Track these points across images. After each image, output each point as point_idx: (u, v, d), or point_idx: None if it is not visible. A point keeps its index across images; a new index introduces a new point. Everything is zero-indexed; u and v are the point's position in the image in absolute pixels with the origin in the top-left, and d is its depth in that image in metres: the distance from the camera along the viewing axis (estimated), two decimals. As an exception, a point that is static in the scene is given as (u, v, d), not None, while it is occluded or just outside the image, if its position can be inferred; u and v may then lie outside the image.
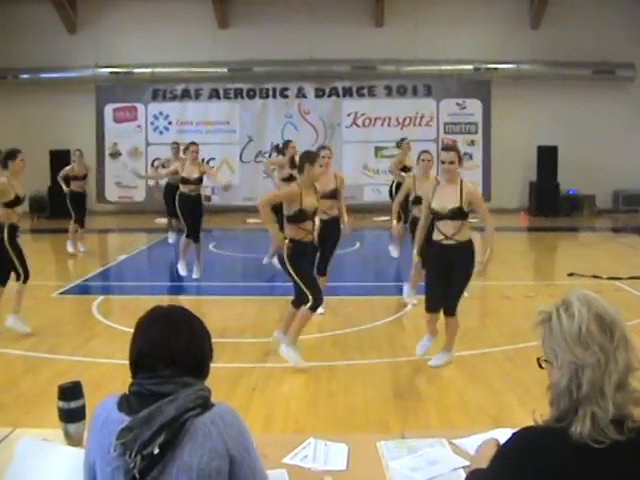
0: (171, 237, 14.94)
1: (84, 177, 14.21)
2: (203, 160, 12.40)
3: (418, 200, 8.67)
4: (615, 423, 1.91)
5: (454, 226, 6.55)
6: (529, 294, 9.93)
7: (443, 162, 6.62)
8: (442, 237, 6.62)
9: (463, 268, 6.65)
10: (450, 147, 7.11)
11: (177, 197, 11.53)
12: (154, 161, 19.42)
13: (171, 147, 15.02)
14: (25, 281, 8.21)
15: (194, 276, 11.29)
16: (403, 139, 13.40)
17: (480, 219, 6.87)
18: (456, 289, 6.77)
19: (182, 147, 13.24)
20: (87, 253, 13.55)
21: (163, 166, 14.83)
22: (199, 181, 11.58)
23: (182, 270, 11.23)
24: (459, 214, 6.53)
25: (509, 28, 20.06)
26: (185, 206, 11.41)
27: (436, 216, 6.65)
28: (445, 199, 6.57)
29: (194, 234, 11.37)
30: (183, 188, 11.46)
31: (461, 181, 6.62)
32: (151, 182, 13.83)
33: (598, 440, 1.90)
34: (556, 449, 1.93)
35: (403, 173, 11.95)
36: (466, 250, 6.63)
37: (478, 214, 6.78)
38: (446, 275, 6.67)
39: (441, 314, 6.95)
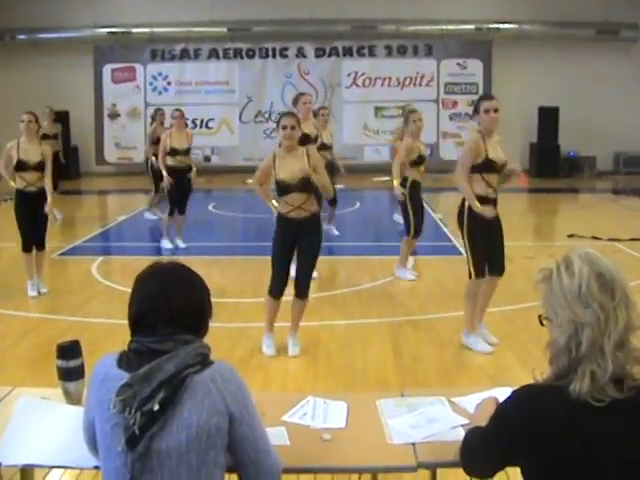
0: (149, 213, 13.36)
1: (55, 136, 13.68)
2: (187, 125, 11.65)
3: (417, 162, 8.63)
4: (614, 381, 1.91)
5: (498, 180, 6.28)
6: (528, 255, 9.93)
7: (487, 111, 6.09)
8: (491, 190, 6.24)
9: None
10: (492, 95, 6.67)
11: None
12: (152, 122, 19.28)
13: (155, 114, 13.74)
14: (23, 250, 8.24)
15: (181, 246, 10.99)
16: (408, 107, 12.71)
17: None
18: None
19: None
20: (87, 215, 13.46)
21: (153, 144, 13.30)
22: (188, 151, 11.03)
23: (167, 245, 10.92)
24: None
25: (511, -13, 19.87)
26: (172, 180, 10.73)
27: (491, 169, 6.18)
28: (497, 151, 6.20)
29: (179, 207, 10.88)
30: (171, 160, 10.77)
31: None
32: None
33: (597, 398, 1.90)
34: (555, 406, 1.93)
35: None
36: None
37: None
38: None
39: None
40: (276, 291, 6.22)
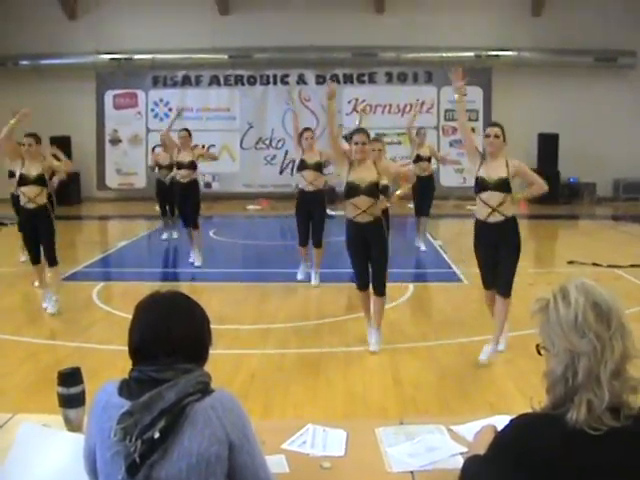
0: (165, 234, 13.99)
1: None
2: (197, 146, 12.15)
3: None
4: (611, 410, 1.92)
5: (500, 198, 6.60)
6: (528, 281, 9.93)
7: (487, 136, 6.69)
8: (486, 211, 6.62)
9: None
10: (495, 123, 7.11)
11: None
12: (154, 148, 19.37)
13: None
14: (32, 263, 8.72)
15: (196, 264, 11.34)
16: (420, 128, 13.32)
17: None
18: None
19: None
20: (88, 240, 13.48)
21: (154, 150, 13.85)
22: (191, 166, 11.42)
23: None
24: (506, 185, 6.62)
25: (510, 15, 20.01)
26: (178, 194, 11.72)
27: (481, 187, 6.66)
28: (492, 170, 6.63)
29: (186, 221, 11.59)
30: (176, 175, 11.68)
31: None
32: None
33: (594, 427, 1.91)
34: (553, 436, 1.95)
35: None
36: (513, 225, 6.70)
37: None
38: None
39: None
40: (361, 284, 7.18)
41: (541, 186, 6.89)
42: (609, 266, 10.80)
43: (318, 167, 9.79)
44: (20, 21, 20.17)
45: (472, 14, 19.81)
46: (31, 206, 8.41)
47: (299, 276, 10.05)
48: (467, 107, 20.64)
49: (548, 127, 19.48)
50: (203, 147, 11.91)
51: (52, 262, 8.64)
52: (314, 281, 9.84)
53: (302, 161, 9.83)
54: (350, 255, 7.13)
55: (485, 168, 6.65)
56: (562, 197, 19.57)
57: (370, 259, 7.03)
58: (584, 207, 19.31)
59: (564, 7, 19.64)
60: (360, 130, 7.14)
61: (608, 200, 20.07)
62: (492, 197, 6.56)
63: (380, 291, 7.05)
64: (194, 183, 11.50)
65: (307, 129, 10.09)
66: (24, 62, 20.56)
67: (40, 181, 8.40)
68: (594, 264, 10.94)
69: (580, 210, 18.80)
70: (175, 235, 13.58)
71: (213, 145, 20.76)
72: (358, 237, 7.00)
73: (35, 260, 8.66)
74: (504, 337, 6.95)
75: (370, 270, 7.07)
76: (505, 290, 6.66)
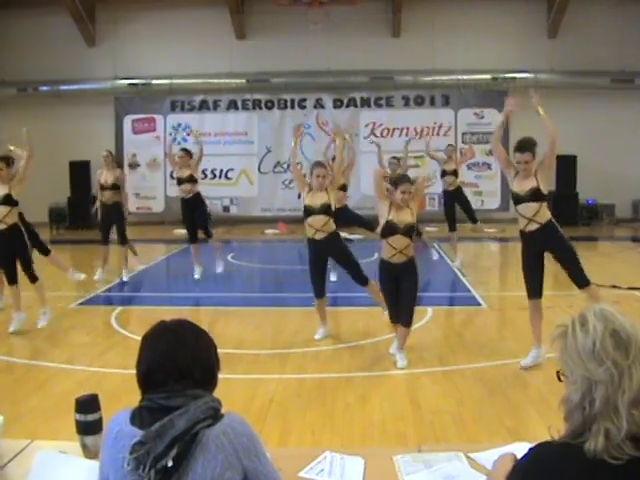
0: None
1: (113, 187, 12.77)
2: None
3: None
4: (631, 439, 1.90)
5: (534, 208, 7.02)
6: (548, 304, 9.87)
7: (518, 162, 7.02)
8: (524, 222, 7.07)
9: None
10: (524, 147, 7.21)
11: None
12: (172, 172, 19.52)
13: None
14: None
15: (195, 277, 12.04)
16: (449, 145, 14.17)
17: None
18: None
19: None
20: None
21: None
22: (190, 179, 11.89)
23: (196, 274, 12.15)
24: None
25: (526, 37, 20.04)
26: (184, 210, 12.13)
27: (515, 200, 7.14)
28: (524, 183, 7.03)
29: (192, 235, 12.10)
30: (180, 192, 12.14)
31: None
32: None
33: (614, 456, 1.88)
34: (572, 466, 1.92)
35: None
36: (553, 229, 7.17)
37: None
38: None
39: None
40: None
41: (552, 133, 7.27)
42: (629, 288, 10.72)
43: (327, 209, 8.10)
44: (40, 47, 20.43)
45: (488, 36, 19.84)
46: (2, 227, 8.65)
47: (317, 336, 8.38)
48: (484, 130, 20.84)
49: (566, 149, 19.36)
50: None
51: (32, 279, 8.88)
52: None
53: (306, 208, 8.17)
54: (383, 289, 7.49)
55: (517, 182, 7.05)
56: (581, 219, 19.49)
57: (400, 293, 7.27)
58: (603, 229, 19.21)
59: (580, 29, 19.65)
60: (405, 178, 7.44)
61: (627, 221, 19.95)
62: (527, 209, 7.01)
63: (406, 323, 7.31)
64: (197, 196, 12.00)
65: (319, 165, 8.39)
66: (44, 88, 20.77)
67: (7, 201, 8.66)
68: (613, 286, 10.86)
69: (599, 232, 18.70)
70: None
71: (231, 169, 20.88)
72: (392, 277, 7.28)
73: (12, 280, 8.80)
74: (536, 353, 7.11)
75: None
76: (582, 281, 7.32)
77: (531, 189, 6.95)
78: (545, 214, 7.07)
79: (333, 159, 10.32)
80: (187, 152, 12.18)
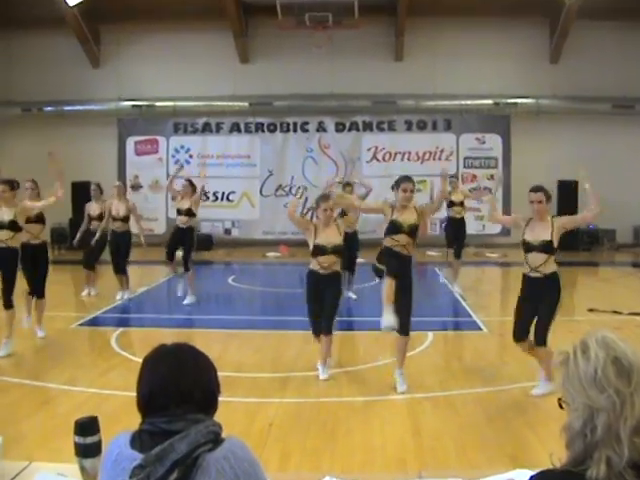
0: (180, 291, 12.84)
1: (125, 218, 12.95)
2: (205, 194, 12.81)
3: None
4: (633, 467, 1.88)
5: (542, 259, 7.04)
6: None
7: (532, 202, 7.13)
8: (528, 269, 7.14)
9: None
10: (538, 188, 7.36)
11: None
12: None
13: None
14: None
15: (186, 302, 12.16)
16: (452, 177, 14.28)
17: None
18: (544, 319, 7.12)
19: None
20: (105, 286, 13.50)
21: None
22: (188, 213, 12.17)
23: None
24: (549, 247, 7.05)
25: (529, 63, 20.16)
26: (174, 235, 12.49)
27: (526, 249, 7.16)
28: (539, 233, 7.10)
29: (169, 256, 12.48)
30: (177, 221, 12.40)
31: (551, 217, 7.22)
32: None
33: (617, 484, 1.87)
34: (573, 494, 1.91)
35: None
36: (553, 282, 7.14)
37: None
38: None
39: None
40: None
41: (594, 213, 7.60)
42: (630, 314, 10.70)
43: (338, 250, 7.87)
44: (45, 68, 20.58)
45: (490, 62, 19.97)
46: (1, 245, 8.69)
47: (322, 375, 7.81)
48: (485, 155, 20.90)
49: (567, 174, 19.42)
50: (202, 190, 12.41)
51: (8, 306, 8.74)
52: (323, 375, 7.78)
53: (318, 247, 7.80)
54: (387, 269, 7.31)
55: (530, 231, 7.12)
56: (581, 244, 19.51)
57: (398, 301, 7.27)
58: (604, 254, 19.22)
59: (581, 54, 19.77)
60: (407, 178, 7.60)
61: (628, 247, 19.96)
62: (535, 258, 7.05)
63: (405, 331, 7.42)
64: (191, 229, 12.34)
65: (325, 198, 8.03)
66: (48, 108, 20.91)
67: (12, 226, 8.70)
68: (614, 312, 10.85)
69: (600, 257, 18.71)
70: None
71: (233, 192, 20.92)
72: (396, 269, 7.26)
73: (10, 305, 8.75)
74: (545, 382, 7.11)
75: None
76: (540, 340, 7.09)
77: (544, 241, 7.01)
78: (551, 266, 7.11)
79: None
80: (191, 184, 12.36)
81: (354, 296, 12.08)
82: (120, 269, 12.60)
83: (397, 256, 7.34)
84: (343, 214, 10.46)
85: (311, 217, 14.03)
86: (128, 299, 12.49)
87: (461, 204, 13.32)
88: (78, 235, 12.84)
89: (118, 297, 12.54)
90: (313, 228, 7.84)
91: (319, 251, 7.75)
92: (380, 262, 7.36)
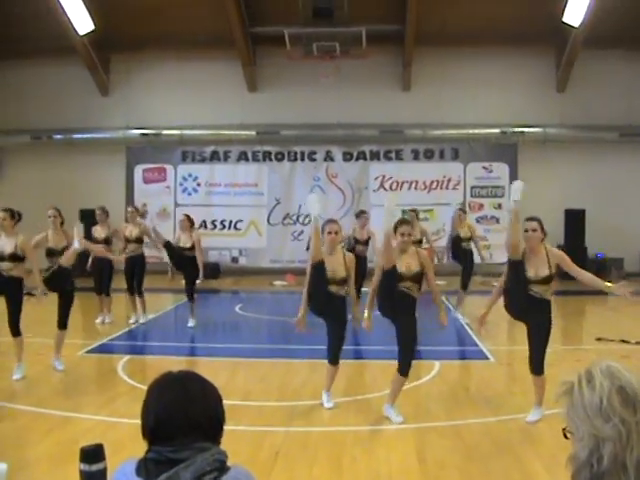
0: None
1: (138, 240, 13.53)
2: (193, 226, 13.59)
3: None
4: (640, 497, 1.88)
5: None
6: (556, 359, 9.83)
7: (526, 230, 7.13)
8: None
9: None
10: (533, 217, 7.40)
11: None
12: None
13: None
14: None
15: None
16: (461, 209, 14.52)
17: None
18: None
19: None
20: (114, 313, 13.52)
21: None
22: (191, 248, 12.76)
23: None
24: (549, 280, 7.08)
25: (535, 91, 20.26)
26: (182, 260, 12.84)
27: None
28: (537, 267, 7.06)
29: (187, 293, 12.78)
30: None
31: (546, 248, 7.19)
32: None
33: (623, 515, 1.86)
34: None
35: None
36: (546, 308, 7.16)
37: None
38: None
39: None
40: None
41: (589, 278, 7.40)
42: (637, 343, 10.66)
43: (345, 281, 7.63)
44: (55, 96, 20.77)
45: (497, 91, 20.08)
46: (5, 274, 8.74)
47: (327, 404, 7.71)
48: (493, 184, 20.92)
49: (575, 203, 19.50)
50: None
51: (15, 333, 8.83)
52: (327, 404, 7.70)
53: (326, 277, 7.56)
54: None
55: (530, 266, 7.03)
56: (590, 272, 19.36)
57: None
58: (612, 282, 19.12)
59: (588, 83, 19.87)
60: (405, 222, 7.43)
61: (636, 275, 19.88)
62: (537, 288, 7.05)
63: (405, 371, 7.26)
64: (194, 260, 12.64)
65: (331, 221, 7.86)
66: (58, 136, 21.07)
67: (13, 258, 8.71)
68: (622, 341, 10.81)
69: (608, 286, 18.62)
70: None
71: (241, 220, 20.97)
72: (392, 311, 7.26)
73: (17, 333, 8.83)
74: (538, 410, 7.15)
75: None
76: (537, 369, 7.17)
77: (545, 277, 7.03)
78: (549, 293, 7.16)
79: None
80: (188, 217, 13.16)
81: None
82: (137, 291, 12.95)
83: (400, 296, 7.19)
84: (351, 250, 10.45)
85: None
86: (143, 323, 12.75)
87: (469, 239, 13.41)
88: (90, 260, 12.99)
89: (132, 320, 12.79)
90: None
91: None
92: None
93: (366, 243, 13.49)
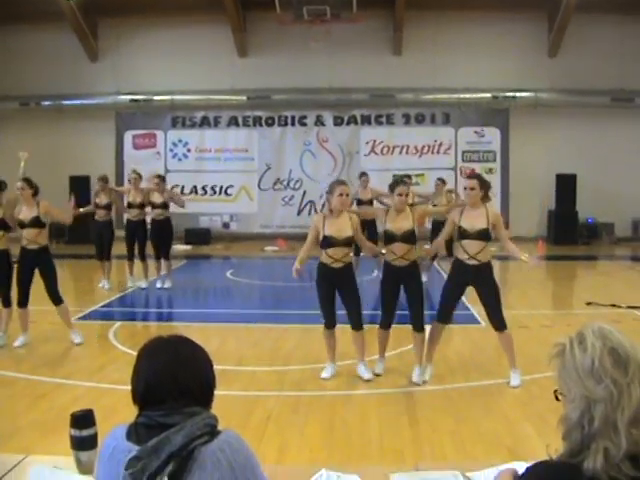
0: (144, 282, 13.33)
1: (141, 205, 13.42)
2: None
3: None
4: (630, 459, 1.87)
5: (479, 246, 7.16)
6: (546, 323, 9.87)
7: (465, 188, 7.33)
8: (466, 256, 7.19)
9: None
10: (473, 175, 7.71)
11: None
12: (173, 187, 19.51)
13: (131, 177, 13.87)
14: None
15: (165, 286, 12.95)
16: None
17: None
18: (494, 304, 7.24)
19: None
20: (113, 280, 13.49)
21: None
22: (164, 206, 12.96)
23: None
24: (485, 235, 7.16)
25: (527, 56, 20.13)
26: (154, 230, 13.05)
27: (463, 236, 7.23)
28: (474, 221, 7.16)
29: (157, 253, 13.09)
30: (152, 214, 13.09)
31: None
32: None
33: (613, 476, 1.86)
34: (570, 485, 1.90)
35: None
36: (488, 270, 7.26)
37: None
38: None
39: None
40: (386, 322, 7.62)
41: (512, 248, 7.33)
42: (628, 307, 10.70)
43: (349, 242, 7.43)
44: (43, 62, 20.55)
45: (489, 56, 19.95)
46: (33, 247, 8.74)
47: (325, 374, 7.62)
48: (484, 148, 20.91)
49: (566, 167, 19.48)
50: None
51: (57, 301, 8.94)
52: (367, 375, 7.51)
53: (328, 239, 7.32)
54: (382, 293, 7.63)
55: (465, 218, 7.19)
56: (580, 237, 19.52)
57: (407, 297, 7.48)
58: (602, 248, 19.22)
59: (580, 48, 19.75)
60: (402, 182, 7.49)
61: (627, 240, 19.97)
62: (471, 246, 7.14)
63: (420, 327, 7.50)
64: (167, 221, 12.99)
65: (342, 182, 7.66)
66: (46, 102, 20.87)
67: (35, 223, 8.76)
68: (613, 305, 10.85)
69: (598, 251, 18.71)
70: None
71: (231, 186, 20.91)
72: (393, 279, 7.43)
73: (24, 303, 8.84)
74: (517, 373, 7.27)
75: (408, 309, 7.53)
76: (501, 325, 7.28)
77: (480, 229, 7.10)
78: (487, 254, 7.23)
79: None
80: (161, 177, 13.43)
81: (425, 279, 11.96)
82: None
83: (396, 271, 7.35)
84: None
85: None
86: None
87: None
88: (82, 210, 12.83)
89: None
90: (321, 224, 7.34)
91: (328, 243, 7.31)
92: None
93: (370, 202, 13.83)
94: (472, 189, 7.17)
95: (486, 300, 7.27)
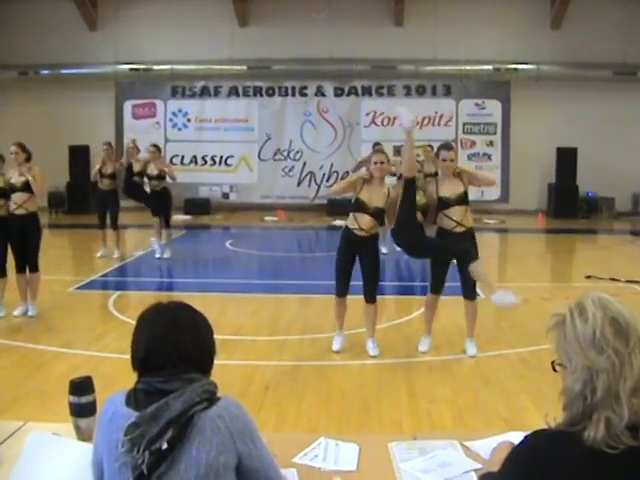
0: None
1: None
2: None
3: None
4: (630, 429, 1.88)
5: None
6: (545, 296, 9.88)
7: (444, 160, 7.24)
8: (454, 224, 7.18)
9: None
10: (450, 146, 7.68)
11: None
12: (172, 158, 19.48)
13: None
14: None
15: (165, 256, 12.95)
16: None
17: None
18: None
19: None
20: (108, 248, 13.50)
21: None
22: (159, 177, 12.87)
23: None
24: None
25: (529, 29, 19.98)
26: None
27: (445, 205, 7.19)
28: (452, 188, 7.22)
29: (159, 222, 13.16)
30: (149, 185, 13.10)
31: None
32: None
33: (612, 445, 1.86)
34: (568, 453, 1.90)
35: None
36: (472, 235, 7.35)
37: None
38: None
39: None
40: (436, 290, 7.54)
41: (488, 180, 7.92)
42: (627, 281, 10.71)
43: (379, 213, 7.30)
44: (42, 31, 20.37)
45: (491, 27, 19.79)
46: (20, 212, 8.65)
47: (335, 346, 7.50)
48: (485, 120, 20.77)
49: (567, 141, 19.41)
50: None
51: (34, 268, 8.83)
52: (373, 351, 7.39)
53: (358, 201, 7.24)
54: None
55: (443, 187, 7.21)
56: (580, 211, 19.49)
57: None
58: (602, 221, 19.20)
59: (583, 21, 19.60)
60: (379, 150, 7.55)
61: (627, 215, 19.94)
62: (457, 212, 7.16)
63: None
64: (165, 191, 12.98)
65: (379, 152, 7.77)
66: (45, 71, 20.73)
67: (25, 188, 8.64)
68: (612, 279, 10.85)
69: (598, 224, 18.69)
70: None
71: (231, 156, 20.85)
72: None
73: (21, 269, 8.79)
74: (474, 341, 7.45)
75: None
76: (473, 293, 7.58)
77: (460, 193, 7.18)
78: (470, 219, 7.34)
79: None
80: (158, 147, 13.33)
81: (385, 250, 11.96)
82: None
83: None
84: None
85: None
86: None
87: (433, 175, 13.00)
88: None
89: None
90: (359, 185, 7.23)
91: (357, 207, 7.19)
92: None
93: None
94: (452, 160, 7.22)
95: (463, 266, 7.18)
